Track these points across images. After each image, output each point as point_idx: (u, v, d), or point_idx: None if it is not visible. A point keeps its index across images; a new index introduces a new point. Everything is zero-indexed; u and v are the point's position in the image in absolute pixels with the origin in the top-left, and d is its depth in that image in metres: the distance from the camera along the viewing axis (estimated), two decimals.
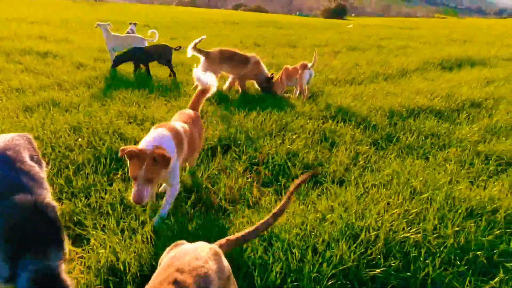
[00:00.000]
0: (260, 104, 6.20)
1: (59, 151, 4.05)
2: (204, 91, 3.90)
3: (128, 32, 11.68)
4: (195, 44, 7.41)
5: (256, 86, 7.74)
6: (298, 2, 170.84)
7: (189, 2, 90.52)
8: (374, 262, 2.59)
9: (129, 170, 2.75)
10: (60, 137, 4.38)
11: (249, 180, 3.80)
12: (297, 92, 7.49)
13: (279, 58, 11.71)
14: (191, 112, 3.71)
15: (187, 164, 3.74)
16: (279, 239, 2.68)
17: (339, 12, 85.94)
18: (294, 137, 4.79)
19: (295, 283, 2.38)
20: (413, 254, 2.59)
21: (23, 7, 35.05)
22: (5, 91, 6.71)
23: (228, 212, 3.24)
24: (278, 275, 2.41)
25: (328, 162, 4.24)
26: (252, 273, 2.41)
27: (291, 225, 2.85)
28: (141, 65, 8.76)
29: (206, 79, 3.85)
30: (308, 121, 5.46)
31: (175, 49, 8.57)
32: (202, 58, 7.52)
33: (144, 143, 2.87)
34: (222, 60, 7.44)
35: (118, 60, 8.29)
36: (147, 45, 8.98)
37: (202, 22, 26.16)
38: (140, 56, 8.37)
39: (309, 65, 7.27)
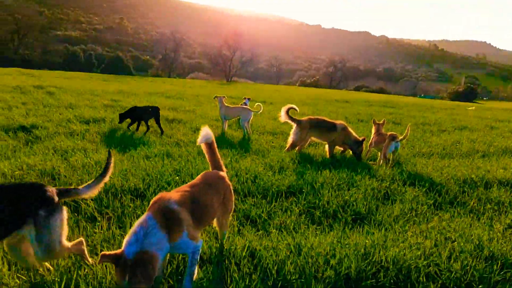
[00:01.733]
0: (336, 165, 6.84)
1: (159, 185, 5.21)
2: (210, 147, 3.80)
3: (242, 105, 13.42)
4: (288, 110, 8.47)
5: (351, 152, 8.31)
6: (424, 85, 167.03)
7: (312, 83, 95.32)
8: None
9: None
10: (164, 175, 5.58)
11: (300, 218, 4.44)
12: (380, 160, 7.90)
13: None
14: (210, 173, 3.58)
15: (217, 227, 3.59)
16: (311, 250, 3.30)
17: (467, 95, 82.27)
18: (355, 191, 5.32)
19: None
20: (414, 276, 2.97)
21: (166, 85, 41.12)
22: (134, 145, 8.42)
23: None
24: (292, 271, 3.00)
25: (380, 213, 4.67)
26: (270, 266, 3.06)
27: (320, 244, 3.44)
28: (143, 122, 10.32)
29: (202, 133, 3.70)
30: (376, 182, 5.92)
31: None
32: (294, 125, 8.51)
33: (127, 241, 2.59)
34: (311, 126, 8.33)
35: (121, 117, 10.05)
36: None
37: (316, 99, 27.78)
38: (136, 114, 10.09)
39: (399, 137, 7.70)
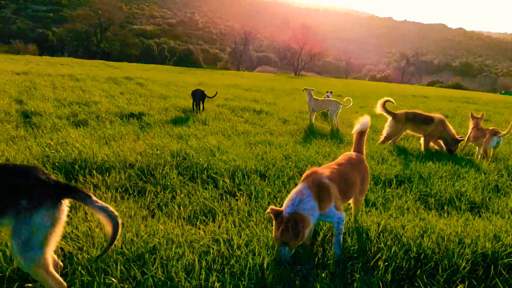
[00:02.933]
0: (436, 156, 6.95)
1: (278, 168, 5.69)
2: (361, 132, 4.12)
3: (325, 97, 13.68)
4: (384, 103, 8.62)
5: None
6: (505, 81, 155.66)
7: (382, 78, 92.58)
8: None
9: None
10: (276, 160, 6.05)
11: (416, 204, 4.69)
12: (479, 155, 7.82)
13: (467, 129, 11.89)
14: (353, 155, 3.98)
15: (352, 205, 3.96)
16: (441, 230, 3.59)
17: None
18: (464, 182, 5.45)
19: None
20: None
21: (237, 78, 42.21)
22: (234, 133, 9.03)
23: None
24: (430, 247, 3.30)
25: (495, 203, 4.80)
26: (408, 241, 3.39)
27: (448, 226, 3.70)
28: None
29: (362, 120, 4.10)
30: (483, 175, 5.98)
31: (210, 97, 12.33)
32: (389, 118, 8.65)
33: (286, 204, 3.15)
34: (407, 119, 8.42)
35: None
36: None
37: (390, 94, 27.16)
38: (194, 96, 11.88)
39: (501, 133, 7.56)
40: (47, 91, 13.76)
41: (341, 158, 3.93)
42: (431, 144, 8.51)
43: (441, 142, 8.38)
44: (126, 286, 2.71)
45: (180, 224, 3.59)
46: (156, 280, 2.74)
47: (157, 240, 3.15)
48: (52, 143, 5.90)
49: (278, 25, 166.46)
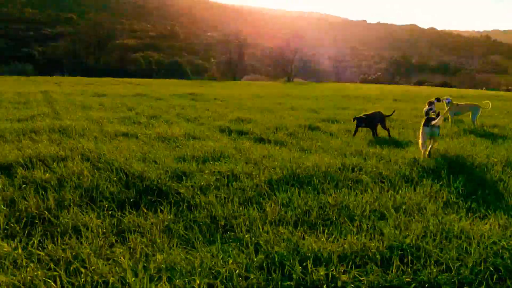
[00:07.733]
0: None
1: None
2: None
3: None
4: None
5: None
6: (483, 76, 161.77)
7: (374, 80, 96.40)
8: None
9: None
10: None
11: None
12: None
13: None
14: None
15: None
16: None
17: None
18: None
19: None
20: None
21: (254, 88, 43.98)
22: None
23: None
24: None
25: None
26: None
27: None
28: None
29: None
30: None
31: (387, 116, 10.49)
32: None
33: None
34: None
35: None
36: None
37: (403, 95, 29.54)
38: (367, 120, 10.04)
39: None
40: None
41: None
42: None
43: None
44: None
45: None
46: None
47: None
48: None
49: (266, 33, 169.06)
